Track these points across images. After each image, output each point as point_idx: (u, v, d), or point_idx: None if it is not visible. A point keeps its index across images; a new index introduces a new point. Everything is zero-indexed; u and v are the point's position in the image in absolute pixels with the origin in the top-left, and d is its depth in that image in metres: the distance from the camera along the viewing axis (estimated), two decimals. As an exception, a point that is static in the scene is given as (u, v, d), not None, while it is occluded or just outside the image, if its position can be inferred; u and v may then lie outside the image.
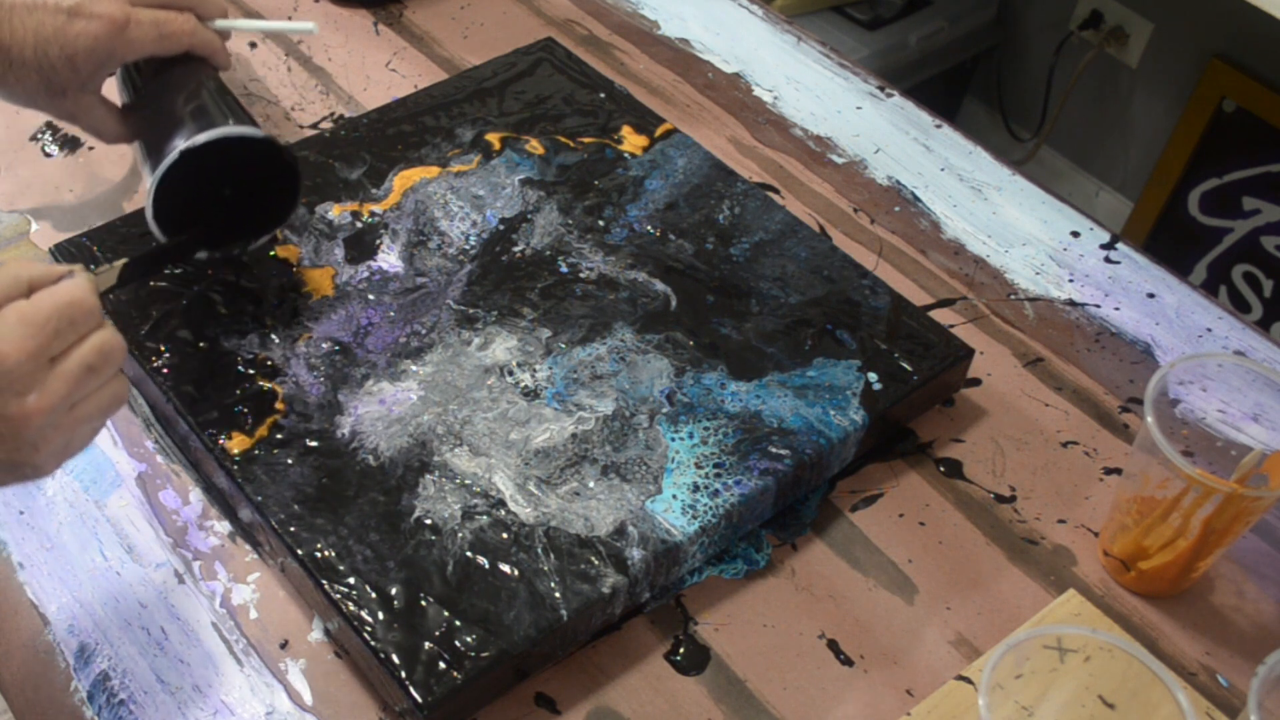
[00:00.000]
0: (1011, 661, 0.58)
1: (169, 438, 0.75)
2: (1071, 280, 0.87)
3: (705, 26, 1.07)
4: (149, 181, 0.70)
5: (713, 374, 0.73)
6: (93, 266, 0.64)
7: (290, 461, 0.68)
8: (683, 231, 0.82)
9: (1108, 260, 0.88)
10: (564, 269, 0.79)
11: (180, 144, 0.69)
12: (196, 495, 0.72)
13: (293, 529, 0.65)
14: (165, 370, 0.72)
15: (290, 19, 1.04)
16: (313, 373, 0.72)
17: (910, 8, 1.90)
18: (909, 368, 0.74)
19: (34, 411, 0.54)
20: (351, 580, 0.63)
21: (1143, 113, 1.95)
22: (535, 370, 0.73)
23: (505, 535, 0.65)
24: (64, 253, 0.78)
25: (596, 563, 0.64)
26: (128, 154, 0.91)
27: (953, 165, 0.95)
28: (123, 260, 0.64)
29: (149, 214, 0.71)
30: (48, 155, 0.91)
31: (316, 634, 0.66)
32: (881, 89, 1.01)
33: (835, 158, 0.95)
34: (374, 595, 0.63)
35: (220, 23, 0.75)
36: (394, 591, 0.63)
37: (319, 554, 0.64)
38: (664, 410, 0.71)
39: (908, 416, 0.77)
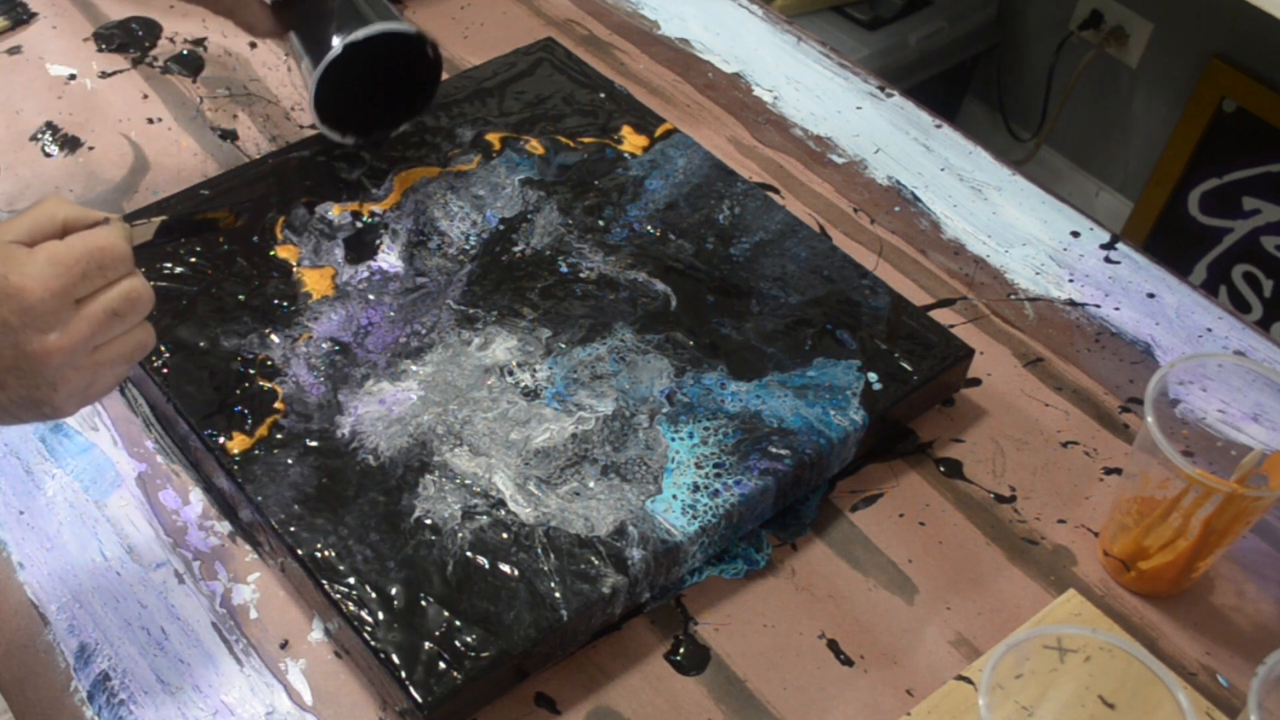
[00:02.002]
0: (1011, 661, 0.58)
1: (169, 438, 0.75)
2: (1071, 280, 0.87)
3: (705, 26, 1.07)
4: (310, 74, 0.78)
5: (713, 374, 0.73)
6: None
7: (290, 461, 0.68)
8: (683, 231, 0.82)
9: (1108, 260, 0.88)
10: (564, 269, 0.79)
11: (339, 40, 0.77)
12: (196, 495, 0.72)
13: (293, 529, 0.65)
14: (165, 370, 0.72)
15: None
16: (313, 373, 0.72)
17: (910, 8, 1.90)
18: (909, 368, 0.74)
19: (54, 350, 0.55)
20: (351, 580, 0.63)
21: (1143, 113, 1.95)
22: (535, 370, 0.73)
23: (505, 535, 0.65)
24: (64, 253, 0.78)
25: (596, 563, 0.64)
26: (128, 154, 0.91)
27: (953, 165, 0.95)
28: (161, 217, 0.65)
29: (311, 101, 0.78)
30: (48, 155, 0.91)
31: (316, 634, 0.66)
32: (881, 89, 1.01)
33: (835, 158, 0.95)
34: (374, 595, 0.63)
35: None
36: (394, 591, 0.63)
37: (319, 554, 0.64)
38: (664, 410, 0.71)
39: (908, 416, 0.76)
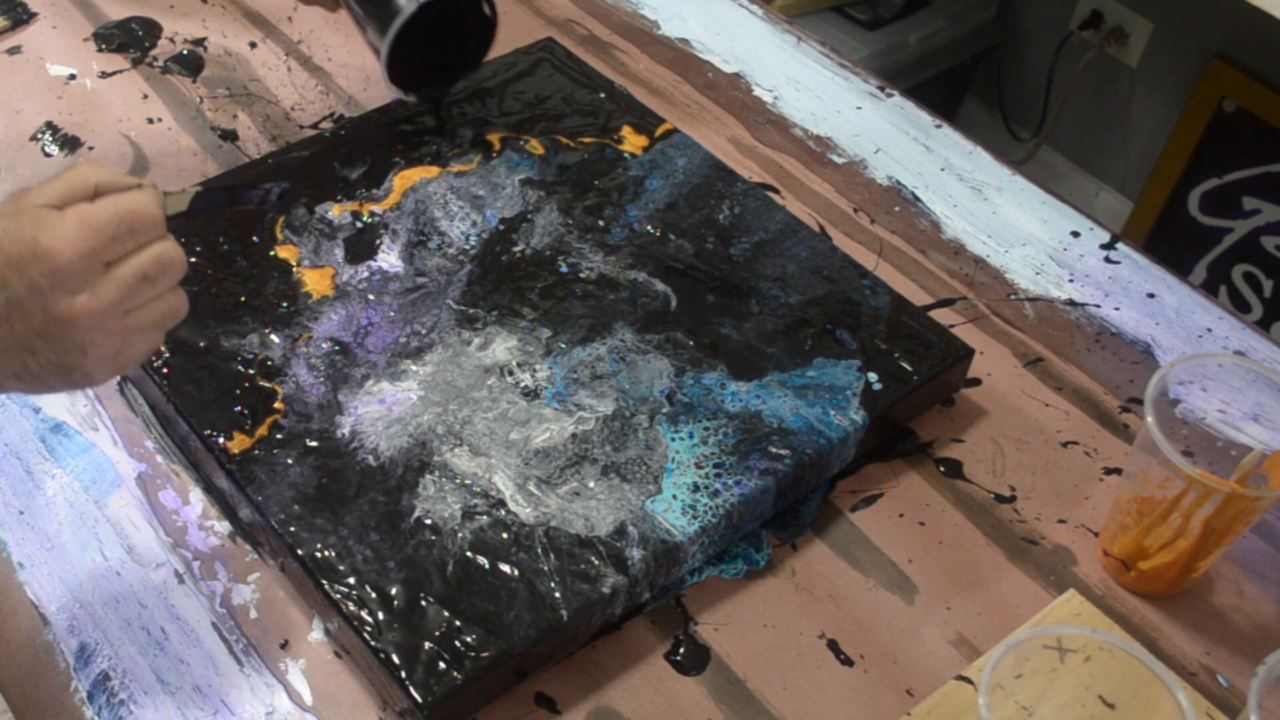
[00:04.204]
0: (1011, 661, 0.58)
1: (169, 438, 0.75)
2: (1071, 280, 0.87)
3: (705, 26, 1.07)
4: (378, 39, 0.80)
5: (713, 374, 0.73)
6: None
7: (290, 461, 0.68)
8: (683, 231, 0.82)
9: (1108, 260, 0.88)
10: (564, 269, 0.79)
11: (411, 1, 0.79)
12: (196, 495, 0.72)
13: (293, 529, 0.65)
14: (165, 370, 0.72)
15: (290, 19, 1.04)
16: (313, 373, 0.72)
17: (910, 8, 1.90)
18: (909, 368, 0.74)
19: (83, 312, 0.54)
20: (351, 580, 0.63)
21: (1143, 113, 1.95)
22: (535, 370, 0.73)
23: (505, 535, 0.65)
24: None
25: (596, 563, 0.64)
26: (128, 154, 0.91)
27: (953, 165, 0.95)
28: (196, 187, 0.63)
29: (384, 63, 0.81)
30: (48, 155, 0.91)
31: (316, 634, 0.66)
32: (881, 89, 1.01)
33: (835, 158, 0.95)
34: (374, 595, 0.63)
35: None
36: (394, 591, 0.63)
37: (319, 554, 0.64)
38: (664, 410, 0.71)
39: (908, 416, 0.76)
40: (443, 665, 0.60)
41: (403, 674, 0.60)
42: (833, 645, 0.67)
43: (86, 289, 0.54)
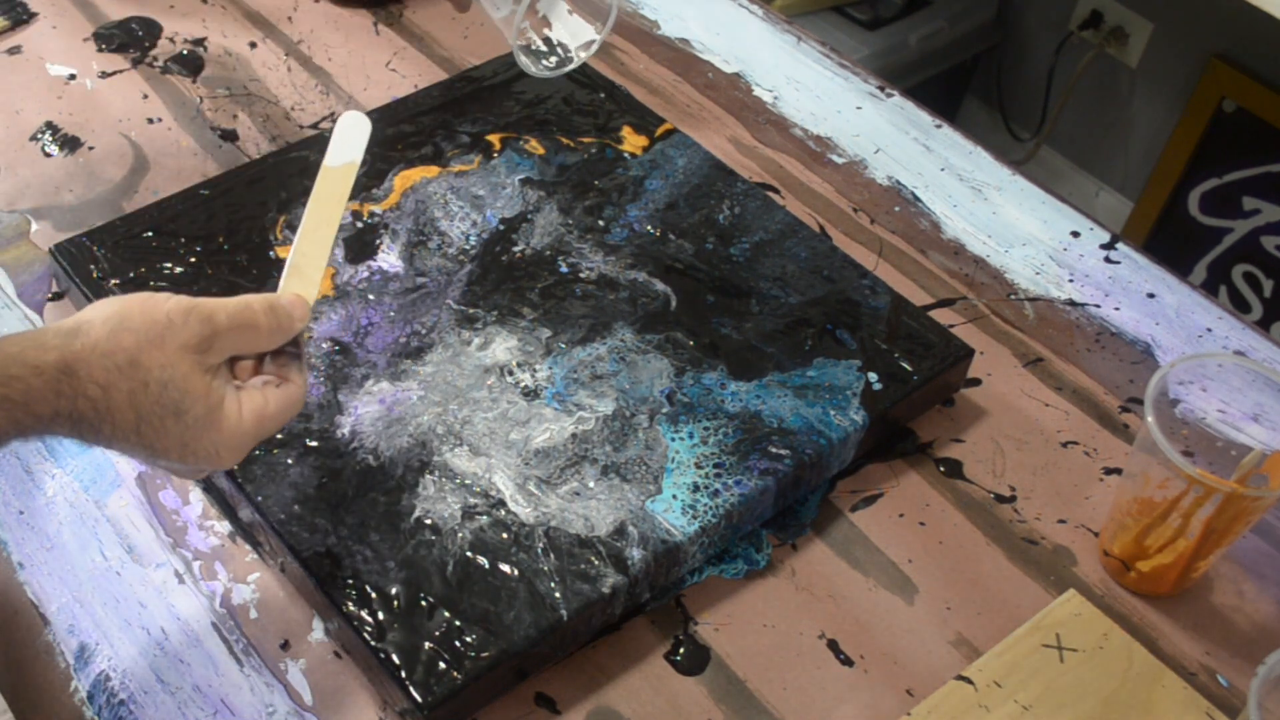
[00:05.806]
0: (1011, 660, 0.58)
1: (169, 438, 0.75)
2: (1071, 280, 0.87)
3: (705, 26, 1.07)
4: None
5: (713, 374, 0.73)
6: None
7: (290, 461, 0.68)
8: (683, 231, 0.82)
9: (1108, 260, 0.88)
10: (564, 269, 0.79)
11: None
12: (196, 495, 0.72)
13: (293, 529, 0.65)
14: (165, 370, 0.72)
15: (290, 19, 1.04)
16: (313, 373, 0.72)
17: (910, 8, 1.90)
18: (909, 368, 0.74)
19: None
20: (351, 580, 0.63)
21: (1143, 113, 1.95)
22: (535, 370, 0.73)
23: (505, 535, 0.65)
24: (64, 253, 0.78)
25: (596, 563, 0.64)
26: (128, 154, 0.91)
27: (953, 165, 0.95)
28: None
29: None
30: (48, 155, 0.91)
31: (316, 634, 0.66)
32: (881, 89, 1.01)
33: (835, 158, 0.95)
34: (374, 595, 0.63)
35: None
36: (394, 591, 0.63)
37: (319, 554, 0.64)
38: (664, 410, 0.71)
39: (908, 416, 0.76)
40: (443, 665, 0.60)
41: (403, 674, 0.60)
42: (833, 645, 0.67)
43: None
